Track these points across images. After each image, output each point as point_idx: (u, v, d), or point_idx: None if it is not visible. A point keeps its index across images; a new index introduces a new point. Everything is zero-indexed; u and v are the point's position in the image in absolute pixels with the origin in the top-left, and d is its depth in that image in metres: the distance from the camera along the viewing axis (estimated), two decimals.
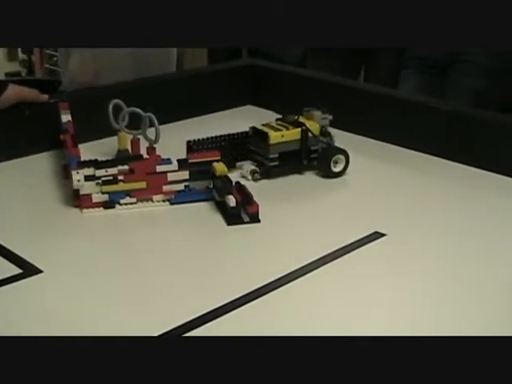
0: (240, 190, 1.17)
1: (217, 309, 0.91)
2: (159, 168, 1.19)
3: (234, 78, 1.73)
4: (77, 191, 1.16)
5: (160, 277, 1.00)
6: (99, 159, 1.19)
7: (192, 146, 1.30)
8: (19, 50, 4.29)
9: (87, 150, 1.27)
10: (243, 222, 1.14)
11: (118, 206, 1.18)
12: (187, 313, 0.90)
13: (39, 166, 1.36)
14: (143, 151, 1.27)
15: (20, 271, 1.00)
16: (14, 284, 0.97)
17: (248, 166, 1.32)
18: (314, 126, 1.32)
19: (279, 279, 0.98)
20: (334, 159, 1.31)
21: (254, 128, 1.33)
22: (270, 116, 1.37)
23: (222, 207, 1.17)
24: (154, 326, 0.87)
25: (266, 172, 1.30)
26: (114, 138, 1.35)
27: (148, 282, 0.99)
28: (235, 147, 1.33)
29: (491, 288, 0.97)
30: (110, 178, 1.17)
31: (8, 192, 1.26)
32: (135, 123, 1.29)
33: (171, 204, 1.20)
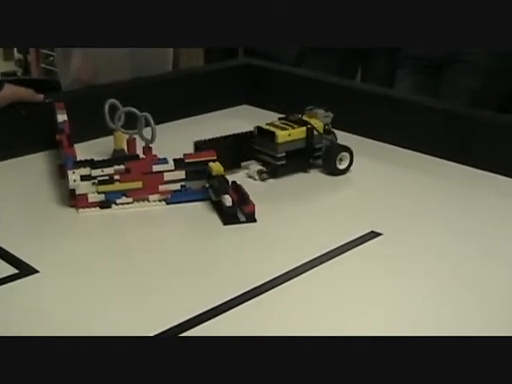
0: (236, 189, 1.17)
1: (212, 309, 0.90)
2: (155, 168, 1.18)
3: (230, 77, 1.72)
4: (73, 191, 1.16)
5: (156, 276, 1.00)
6: (95, 159, 1.19)
7: (200, 147, 1.29)
8: (15, 49, 4.29)
9: (83, 150, 1.26)
10: (239, 222, 1.13)
11: (114, 205, 1.17)
12: (183, 312, 0.89)
13: (35, 165, 1.35)
14: (139, 151, 1.26)
15: (16, 271, 0.99)
16: (9, 284, 0.96)
17: (255, 166, 1.31)
18: (318, 125, 1.32)
19: (275, 279, 0.98)
20: (339, 157, 1.31)
21: (259, 127, 1.32)
22: (267, 115, 1.37)
23: (218, 207, 1.17)
24: (150, 325, 0.87)
25: (273, 171, 1.30)
26: (110, 138, 1.34)
27: (144, 281, 0.98)
28: (240, 147, 1.32)
29: (491, 288, 0.97)
30: (106, 177, 1.16)
31: (4, 192, 1.25)
32: (131, 123, 1.28)
33: (167, 204, 1.19)
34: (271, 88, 1.69)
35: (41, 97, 1.43)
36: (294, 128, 1.30)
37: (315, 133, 1.31)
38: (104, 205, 1.17)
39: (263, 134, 1.31)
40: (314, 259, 1.03)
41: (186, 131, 1.36)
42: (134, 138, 1.30)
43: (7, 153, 1.36)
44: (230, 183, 1.17)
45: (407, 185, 1.30)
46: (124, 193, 1.17)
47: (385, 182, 1.31)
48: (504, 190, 1.28)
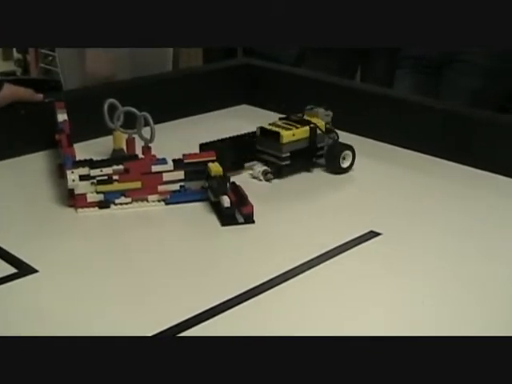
0: (235, 190, 1.17)
1: (211, 309, 0.90)
2: (154, 168, 1.18)
3: (229, 77, 1.72)
4: (72, 191, 1.15)
5: (155, 276, 0.99)
6: (94, 159, 1.18)
7: (206, 149, 1.28)
8: (14, 49, 4.29)
9: (82, 150, 1.26)
10: (237, 223, 1.13)
11: (112, 205, 1.17)
12: (182, 312, 0.89)
13: (34, 165, 1.35)
14: (138, 151, 1.26)
15: (15, 271, 0.99)
16: (9, 284, 0.96)
17: (259, 167, 1.30)
18: (319, 124, 1.32)
19: (273, 279, 0.97)
20: (342, 155, 1.31)
21: (261, 128, 1.32)
22: (266, 115, 1.37)
23: (216, 207, 1.17)
24: (148, 325, 0.86)
25: (277, 172, 1.29)
26: (109, 138, 1.34)
27: (143, 281, 0.98)
28: (243, 148, 1.32)
29: (491, 288, 0.97)
30: (105, 177, 1.16)
31: (3, 192, 1.25)
32: (130, 123, 1.28)
33: (166, 204, 1.19)
34: (270, 88, 1.68)
35: (40, 96, 1.43)
36: (297, 128, 1.30)
37: (318, 132, 1.31)
38: (103, 205, 1.17)
39: (266, 135, 1.30)
40: (313, 259, 1.03)
41: (185, 131, 1.36)
42: (133, 138, 1.30)
43: (6, 152, 1.36)
44: (229, 184, 1.17)
45: (407, 185, 1.30)
46: (123, 193, 1.17)
47: (384, 181, 1.31)
48: (504, 189, 1.28)
